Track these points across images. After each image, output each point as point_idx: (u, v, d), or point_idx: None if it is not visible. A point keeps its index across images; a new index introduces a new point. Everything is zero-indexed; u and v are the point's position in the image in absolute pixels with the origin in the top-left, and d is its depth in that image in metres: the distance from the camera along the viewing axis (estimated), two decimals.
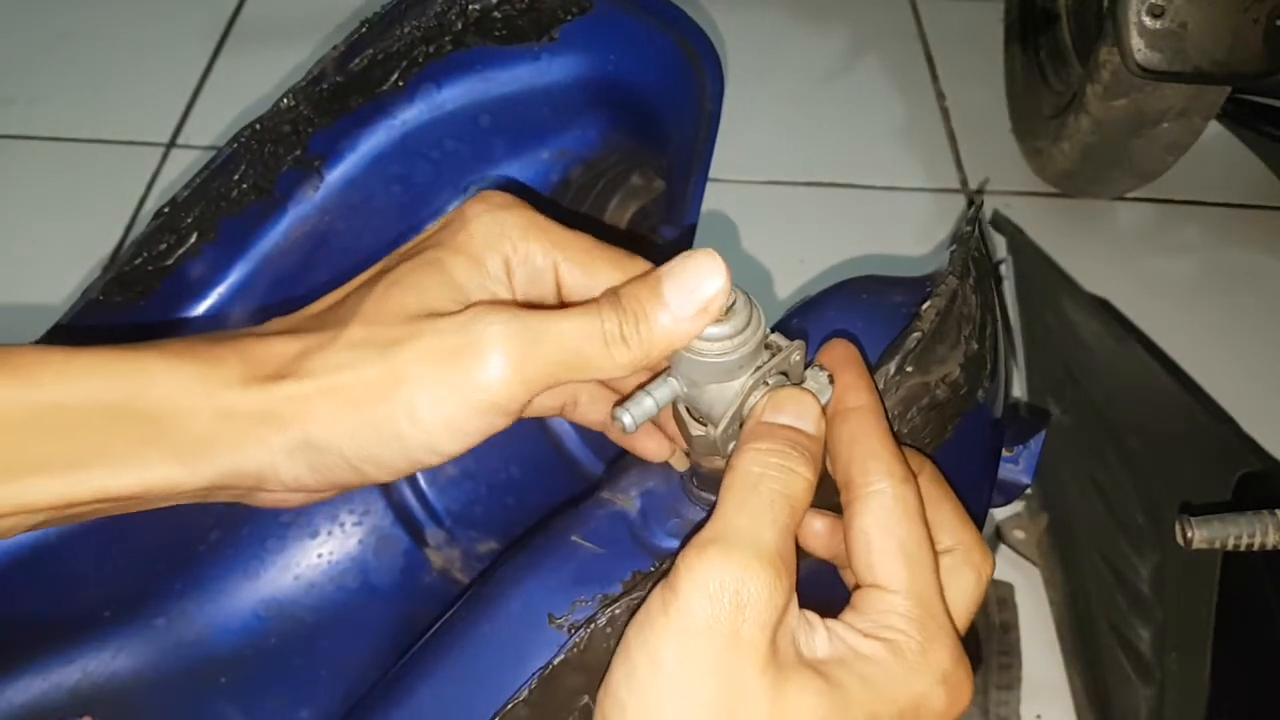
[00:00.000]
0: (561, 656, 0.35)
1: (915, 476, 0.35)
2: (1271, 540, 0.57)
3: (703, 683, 0.30)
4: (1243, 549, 0.57)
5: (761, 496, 0.32)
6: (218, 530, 0.52)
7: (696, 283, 0.33)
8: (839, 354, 0.37)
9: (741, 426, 0.36)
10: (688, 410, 0.38)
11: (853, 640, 0.32)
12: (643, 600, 0.35)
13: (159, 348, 0.32)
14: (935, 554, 0.34)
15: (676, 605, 0.30)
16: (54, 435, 0.31)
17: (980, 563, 0.36)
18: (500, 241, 0.35)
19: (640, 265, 0.36)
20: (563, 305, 0.36)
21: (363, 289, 0.35)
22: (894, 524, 0.33)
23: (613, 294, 0.34)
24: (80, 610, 0.50)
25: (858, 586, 0.34)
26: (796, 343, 0.36)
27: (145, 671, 0.50)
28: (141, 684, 0.50)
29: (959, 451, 0.40)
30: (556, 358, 0.33)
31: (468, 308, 0.33)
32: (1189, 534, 0.57)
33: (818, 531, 0.37)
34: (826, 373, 0.36)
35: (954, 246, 0.40)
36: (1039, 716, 0.92)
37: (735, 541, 0.31)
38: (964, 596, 0.35)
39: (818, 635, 0.33)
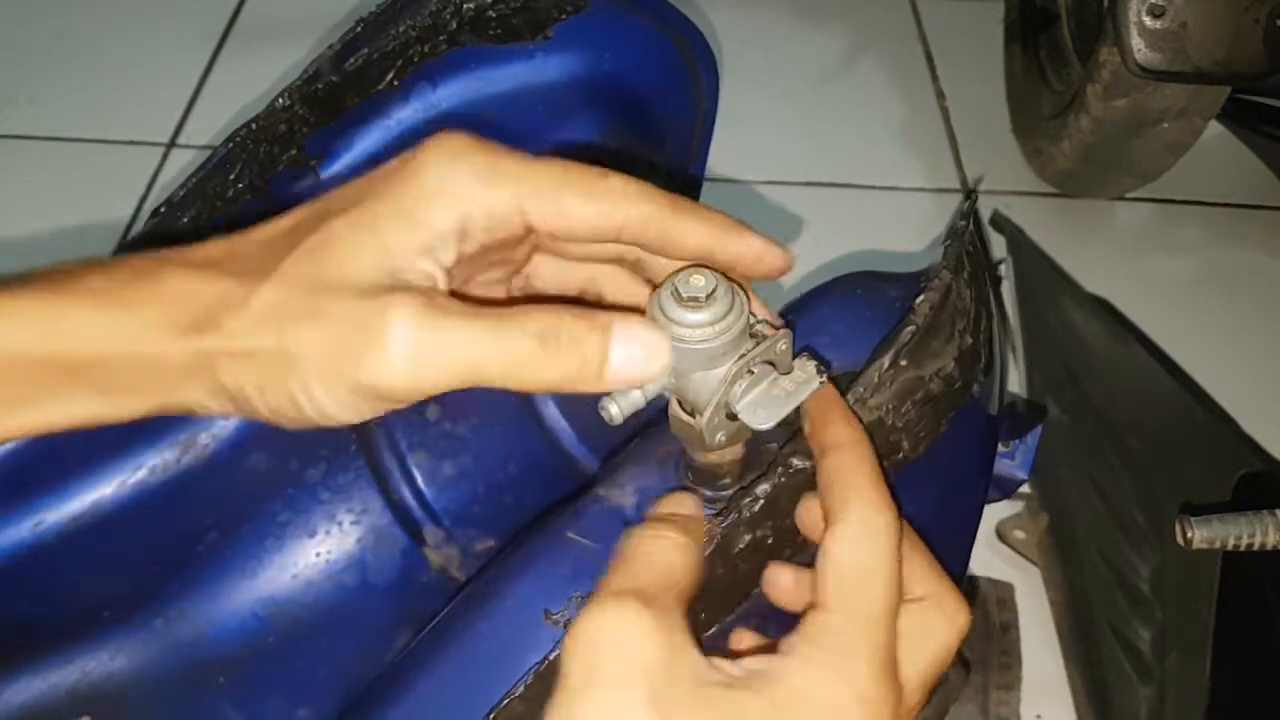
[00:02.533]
0: (557, 652, 0.35)
1: (894, 507, 0.34)
2: (1271, 540, 0.57)
3: None
4: (1243, 549, 0.57)
5: (625, 562, 0.34)
6: (215, 530, 0.52)
7: (643, 365, 0.33)
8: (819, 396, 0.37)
9: (728, 415, 0.36)
10: (676, 401, 0.38)
11: (762, 664, 0.32)
12: None
13: (82, 290, 0.33)
14: (899, 579, 0.33)
15: (561, 675, 0.31)
16: None
17: (953, 611, 0.35)
18: (454, 196, 0.33)
19: (612, 191, 0.35)
20: (530, 236, 0.35)
21: (296, 233, 0.34)
22: (853, 547, 0.33)
23: (548, 319, 0.32)
24: (79, 611, 0.50)
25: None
26: (782, 331, 0.36)
27: (144, 671, 0.50)
28: (140, 684, 0.50)
29: (954, 445, 0.40)
30: (455, 368, 0.32)
31: (383, 293, 0.32)
32: (1189, 534, 0.57)
33: (785, 586, 0.37)
34: (814, 361, 0.36)
35: (949, 241, 0.40)
36: (1039, 716, 0.91)
37: (596, 600, 0.32)
38: (935, 643, 0.34)
39: (724, 664, 0.32)
